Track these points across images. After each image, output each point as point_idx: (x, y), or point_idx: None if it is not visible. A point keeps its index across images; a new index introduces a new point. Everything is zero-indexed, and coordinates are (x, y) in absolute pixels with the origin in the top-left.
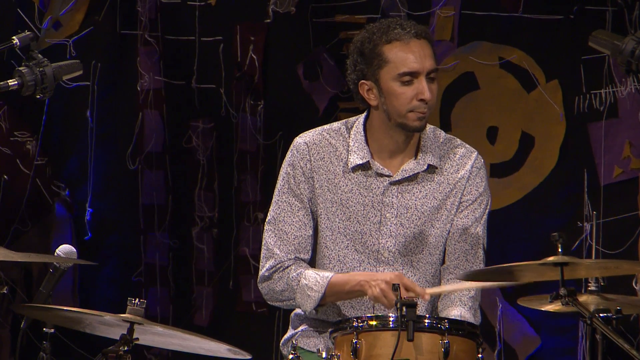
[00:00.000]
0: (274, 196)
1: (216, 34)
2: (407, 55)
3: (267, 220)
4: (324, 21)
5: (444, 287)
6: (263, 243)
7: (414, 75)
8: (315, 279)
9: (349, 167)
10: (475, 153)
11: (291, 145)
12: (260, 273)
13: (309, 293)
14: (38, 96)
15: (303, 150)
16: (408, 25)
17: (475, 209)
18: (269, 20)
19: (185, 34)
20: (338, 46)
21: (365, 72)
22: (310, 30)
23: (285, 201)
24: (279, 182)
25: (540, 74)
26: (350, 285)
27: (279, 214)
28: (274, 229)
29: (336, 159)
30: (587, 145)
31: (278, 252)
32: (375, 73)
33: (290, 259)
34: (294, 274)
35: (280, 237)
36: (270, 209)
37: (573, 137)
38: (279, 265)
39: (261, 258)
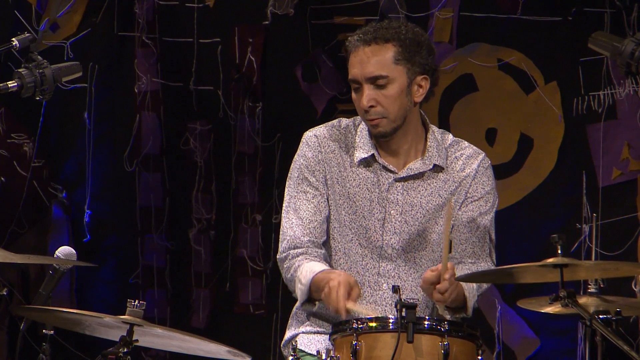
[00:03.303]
0: (287, 188)
1: (214, 35)
2: (352, 61)
3: (283, 210)
4: (323, 23)
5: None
6: (280, 230)
7: (356, 82)
8: (305, 273)
9: (355, 161)
10: (483, 154)
11: (302, 139)
12: (277, 256)
13: (299, 286)
14: (37, 98)
15: (314, 142)
16: (370, 30)
17: (481, 205)
18: (267, 22)
19: (183, 36)
20: (337, 48)
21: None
22: (309, 32)
23: (301, 191)
24: (293, 174)
25: (539, 76)
26: (323, 283)
27: (295, 203)
28: (290, 217)
29: (345, 153)
30: (586, 147)
31: (292, 234)
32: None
33: (305, 242)
34: (297, 264)
35: (296, 223)
36: (285, 200)
37: (572, 138)
38: (291, 252)
39: (279, 242)
